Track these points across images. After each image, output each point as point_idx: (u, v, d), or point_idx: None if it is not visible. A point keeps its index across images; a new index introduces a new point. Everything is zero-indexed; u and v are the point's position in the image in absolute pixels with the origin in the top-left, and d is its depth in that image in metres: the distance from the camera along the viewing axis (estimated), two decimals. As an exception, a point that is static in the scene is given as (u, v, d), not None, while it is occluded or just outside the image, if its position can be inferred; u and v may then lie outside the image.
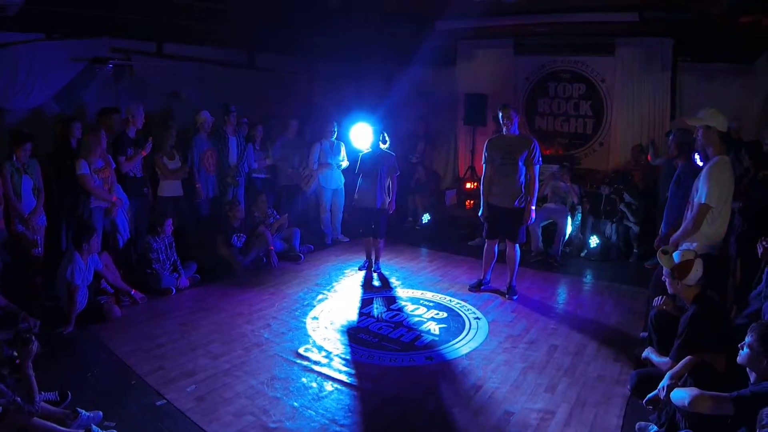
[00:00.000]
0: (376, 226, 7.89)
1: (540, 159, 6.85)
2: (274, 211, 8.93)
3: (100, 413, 4.14)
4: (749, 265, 5.32)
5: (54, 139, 7.43)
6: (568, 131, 10.98)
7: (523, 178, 6.81)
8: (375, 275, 8.00)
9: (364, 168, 7.86)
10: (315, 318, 6.36)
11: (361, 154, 8.01)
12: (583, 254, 9.19)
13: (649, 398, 3.96)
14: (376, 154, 7.81)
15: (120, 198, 7.11)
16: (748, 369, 3.30)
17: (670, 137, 5.87)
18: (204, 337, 5.76)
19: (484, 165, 7.13)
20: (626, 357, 5.31)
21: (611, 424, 4.24)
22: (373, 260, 8.17)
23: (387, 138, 7.87)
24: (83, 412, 4.04)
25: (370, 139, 7.88)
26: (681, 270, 4.24)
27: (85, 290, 5.97)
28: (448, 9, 8.10)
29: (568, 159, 10.21)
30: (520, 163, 6.76)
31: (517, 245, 7.05)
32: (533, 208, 6.83)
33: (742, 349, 3.31)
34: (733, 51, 8.81)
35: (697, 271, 4.21)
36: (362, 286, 7.62)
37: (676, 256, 4.33)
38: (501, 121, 6.84)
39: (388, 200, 7.87)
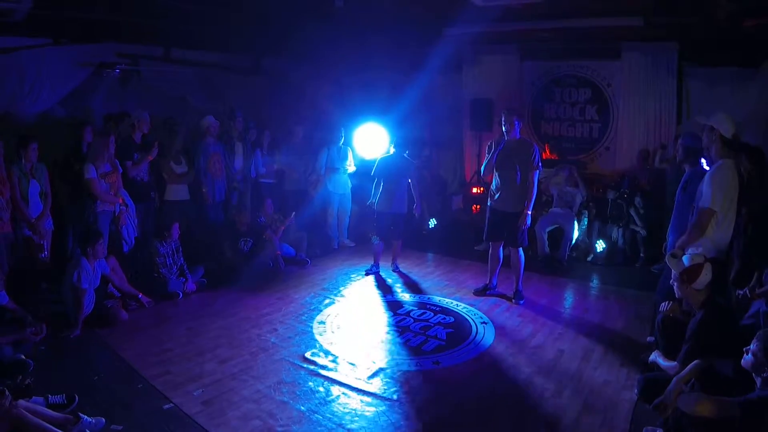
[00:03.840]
0: (394, 228, 8.06)
1: (540, 164, 6.88)
2: (280, 216, 8.95)
3: (103, 420, 4.12)
4: (745, 269, 5.26)
5: (63, 143, 7.46)
6: (574, 136, 10.97)
7: (521, 182, 6.82)
8: (379, 280, 8.02)
9: (384, 174, 7.98)
10: (322, 322, 6.36)
11: (380, 158, 8.12)
12: (589, 259, 9.17)
13: (656, 403, 3.94)
14: (397, 161, 7.97)
15: (126, 203, 7.14)
16: (753, 374, 3.29)
17: (679, 141, 5.85)
18: (211, 341, 5.77)
19: (483, 166, 7.18)
20: (633, 362, 5.29)
21: (618, 429, 4.23)
22: (392, 260, 8.38)
23: (408, 148, 8.03)
24: (85, 417, 4.03)
25: (388, 145, 8.03)
26: (690, 274, 4.22)
27: (92, 294, 5.99)
28: (455, 15, 8.11)
29: (573, 164, 10.17)
30: (519, 168, 6.78)
31: (521, 250, 7.05)
32: (529, 212, 6.85)
33: (747, 354, 3.30)
34: (738, 55, 8.79)
35: (706, 275, 4.19)
36: (369, 290, 7.62)
37: (685, 260, 4.32)
38: (503, 126, 6.86)
39: (407, 205, 8.08)
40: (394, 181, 7.93)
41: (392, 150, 8.03)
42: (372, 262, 8.33)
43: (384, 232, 8.13)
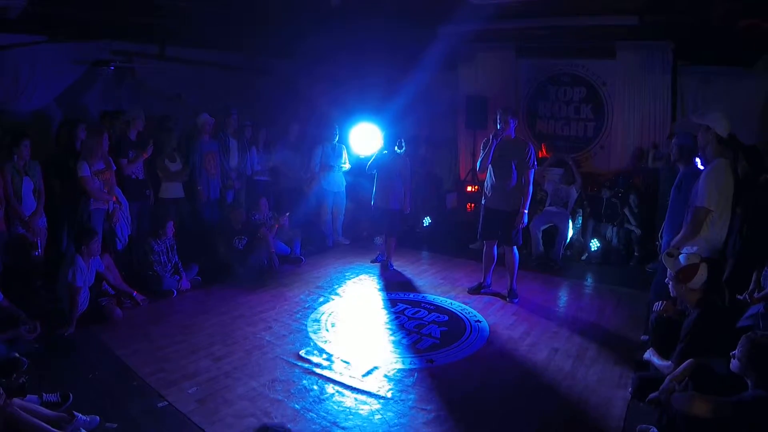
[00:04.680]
0: (389, 225, 8.21)
1: (535, 163, 6.90)
2: (275, 213, 8.94)
3: (97, 418, 4.11)
4: (739, 269, 5.27)
5: (57, 141, 7.44)
6: (568, 134, 10.97)
7: (516, 181, 6.82)
8: (373, 278, 8.03)
9: (379, 170, 8.14)
10: (316, 320, 6.36)
11: (376, 155, 8.23)
12: (583, 258, 9.19)
13: (650, 398, 3.95)
14: (393, 158, 8.12)
15: (120, 200, 7.12)
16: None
17: (673, 140, 5.87)
18: (205, 339, 5.76)
19: (479, 162, 7.17)
20: (627, 360, 5.30)
21: (612, 427, 4.24)
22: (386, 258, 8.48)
23: (404, 144, 8.20)
24: (80, 415, 4.03)
25: (385, 142, 8.23)
26: (686, 273, 4.24)
27: (86, 292, 5.98)
28: (450, 13, 8.11)
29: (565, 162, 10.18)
30: (514, 167, 6.78)
31: (515, 248, 7.05)
32: (525, 211, 6.85)
33: (733, 359, 3.32)
34: (733, 54, 8.80)
35: (701, 275, 4.21)
36: (363, 288, 7.63)
37: (682, 259, 4.33)
38: (498, 125, 6.85)
39: (402, 201, 8.20)
40: (387, 177, 8.03)
41: (383, 147, 8.12)
42: (378, 253, 8.63)
43: (380, 226, 8.24)
